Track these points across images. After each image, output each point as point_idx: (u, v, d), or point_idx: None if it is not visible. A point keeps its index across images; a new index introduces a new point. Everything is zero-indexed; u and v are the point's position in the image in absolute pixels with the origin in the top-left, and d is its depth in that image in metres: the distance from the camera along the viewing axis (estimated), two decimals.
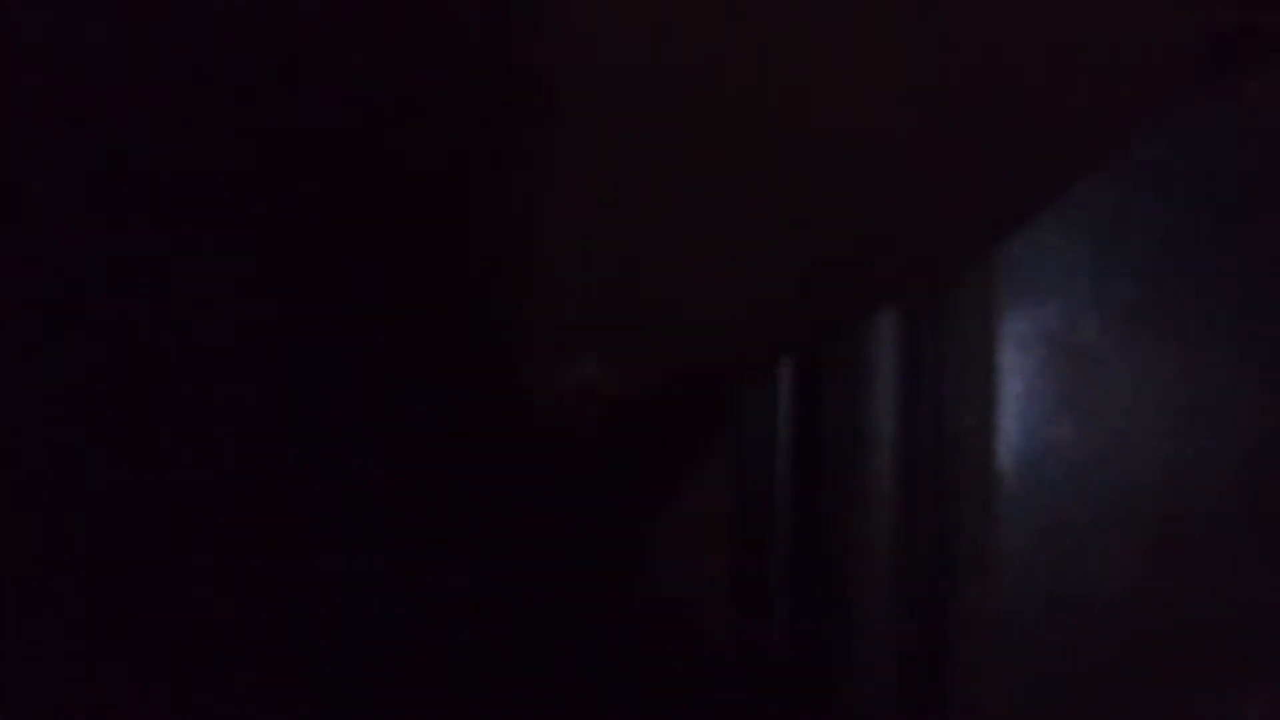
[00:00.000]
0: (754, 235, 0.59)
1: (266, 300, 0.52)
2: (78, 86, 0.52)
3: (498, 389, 0.57)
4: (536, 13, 0.51)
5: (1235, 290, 0.68)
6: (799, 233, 0.59)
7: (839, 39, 0.56)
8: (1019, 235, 0.67)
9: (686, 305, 0.60)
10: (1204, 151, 0.68)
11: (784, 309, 0.62)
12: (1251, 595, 0.67)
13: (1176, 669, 0.68)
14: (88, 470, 0.53)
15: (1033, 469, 0.68)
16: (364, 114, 0.52)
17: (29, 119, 0.52)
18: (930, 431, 0.68)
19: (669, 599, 0.65)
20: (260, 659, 0.54)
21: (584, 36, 0.52)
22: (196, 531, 0.53)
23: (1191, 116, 0.67)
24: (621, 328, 0.60)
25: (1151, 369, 0.68)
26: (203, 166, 0.51)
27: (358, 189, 0.53)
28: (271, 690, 0.54)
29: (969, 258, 0.66)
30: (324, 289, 0.53)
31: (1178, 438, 0.68)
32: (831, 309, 0.64)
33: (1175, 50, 0.62)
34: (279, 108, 0.52)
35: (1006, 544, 0.67)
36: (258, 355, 0.53)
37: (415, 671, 0.56)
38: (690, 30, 0.53)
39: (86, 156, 0.52)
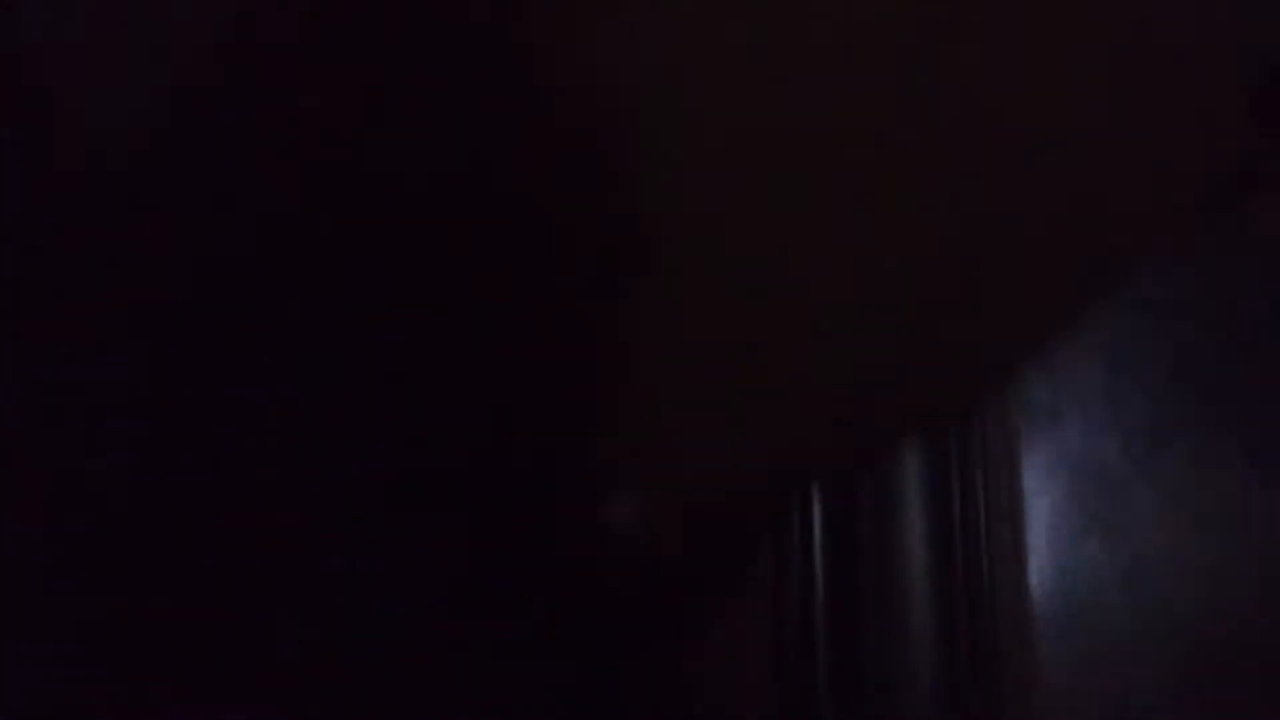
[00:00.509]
0: (787, 372, 0.61)
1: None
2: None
3: (568, 516, 0.59)
4: (635, 189, 0.55)
5: (1252, 407, 0.70)
6: (828, 368, 0.61)
7: (852, 211, 0.60)
8: (1035, 362, 0.69)
9: (728, 436, 0.62)
10: (1214, 274, 0.70)
11: (814, 439, 0.64)
12: None
13: None
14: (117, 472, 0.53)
15: (1065, 589, 0.68)
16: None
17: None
18: (962, 557, 0.68)
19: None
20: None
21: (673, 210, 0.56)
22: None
23: (1202, 240, 0.69)
24: (667, 459, 0.61)
25: (1173, 487, 0.69)
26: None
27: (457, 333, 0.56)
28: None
29: (988, 384, 0.67)
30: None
31: (1205, 554, 0.69)
32: (859, 437, 0.66)
33: (1189, 178, 0.64)
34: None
35: (1044, 664, 0.67)
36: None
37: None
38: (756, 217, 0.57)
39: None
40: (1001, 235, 0.64)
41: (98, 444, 0.53)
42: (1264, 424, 0.69)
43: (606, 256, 0.58)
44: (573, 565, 0.61)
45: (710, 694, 0.65)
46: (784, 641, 0.68)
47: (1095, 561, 0.69)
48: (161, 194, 0.53)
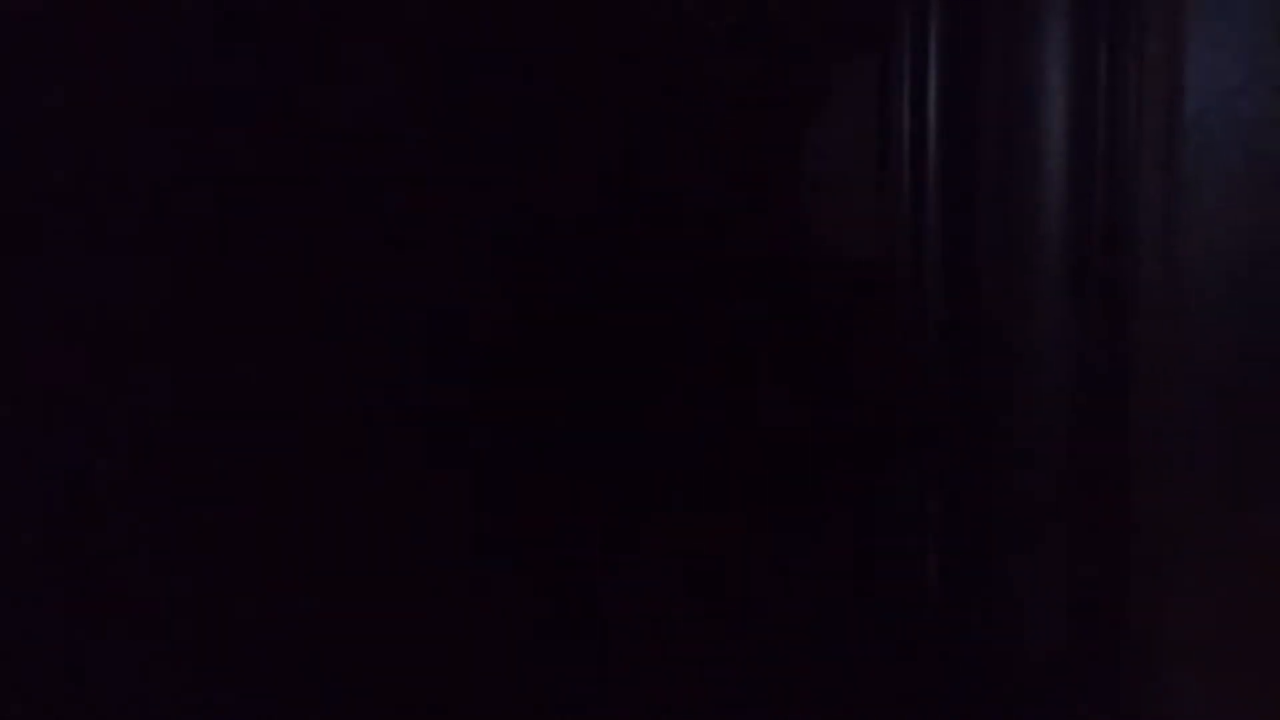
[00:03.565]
0: None
1: None
2: None
3: None
4: None
5: None
6: None
7: None
8: None
9: None
10: None
11: None
12: None
13: None
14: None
15: (1219, 118, 0.57)
16: None
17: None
18: (1106, 102, 0.58)
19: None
20: None
21: None
22: None
23: None
24: None
25: None
26: None
27: None
28: None
29: None
30: None
31: None
32: None
33: None
34: None
35: (1188, 219, 0.57)
36: None
37: None
38: None
39: None
40: None
41: None
42: None
43: None
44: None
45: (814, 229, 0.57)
46: (889, 183, 0.58)
47: (1256, 123, 0.57)
48: None
